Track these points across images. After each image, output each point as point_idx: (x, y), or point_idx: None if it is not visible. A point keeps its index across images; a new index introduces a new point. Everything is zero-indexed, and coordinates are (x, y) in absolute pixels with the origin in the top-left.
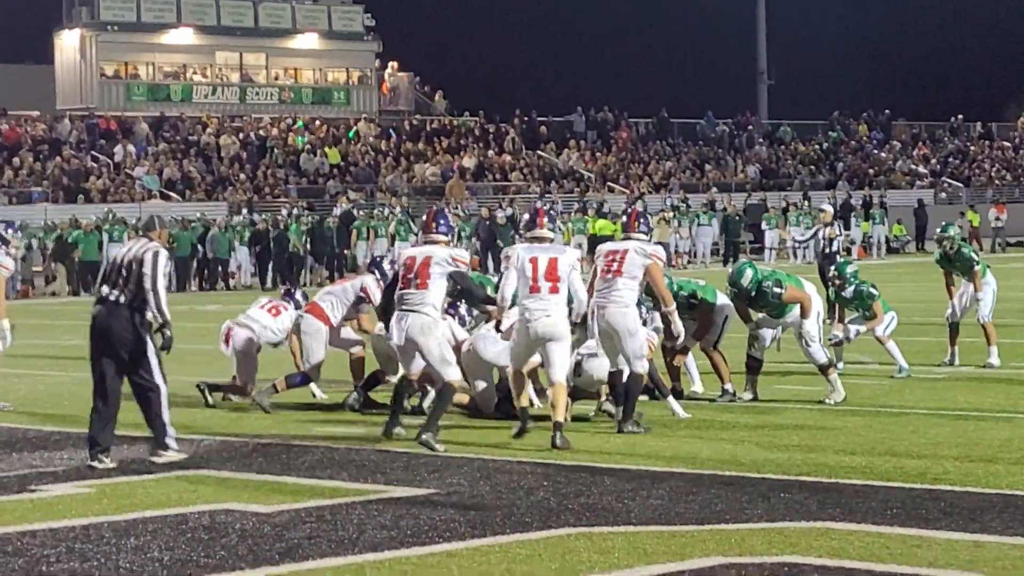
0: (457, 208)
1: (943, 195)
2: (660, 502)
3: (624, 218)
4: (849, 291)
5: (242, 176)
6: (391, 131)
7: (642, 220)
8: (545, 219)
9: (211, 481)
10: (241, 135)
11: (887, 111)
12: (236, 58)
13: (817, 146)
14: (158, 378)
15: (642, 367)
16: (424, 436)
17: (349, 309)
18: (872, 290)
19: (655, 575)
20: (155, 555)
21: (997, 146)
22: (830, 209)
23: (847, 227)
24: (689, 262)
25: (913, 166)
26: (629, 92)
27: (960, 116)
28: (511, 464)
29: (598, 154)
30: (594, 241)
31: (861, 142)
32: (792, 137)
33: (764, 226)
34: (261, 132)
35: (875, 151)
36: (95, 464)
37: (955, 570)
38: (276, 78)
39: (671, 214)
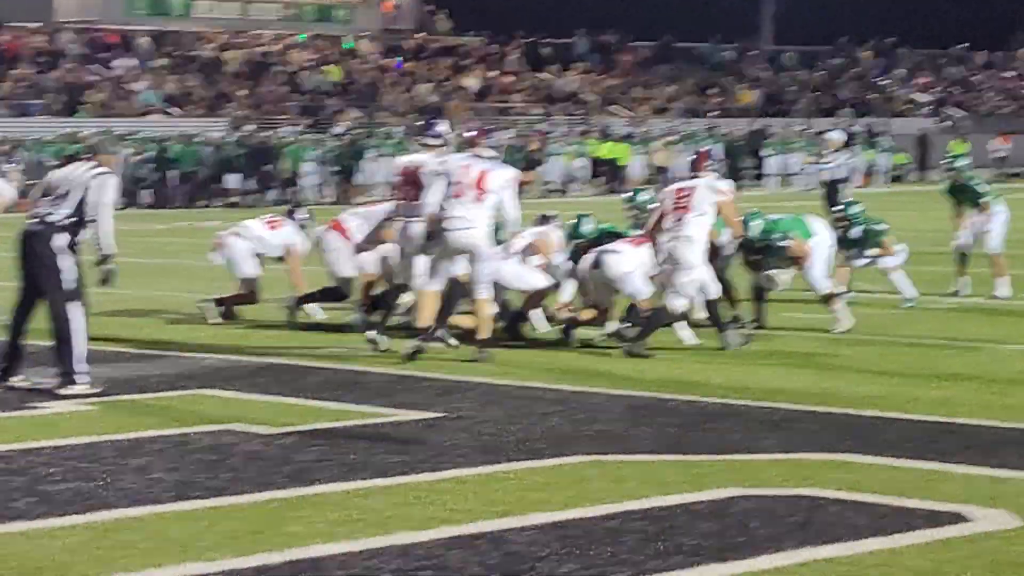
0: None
1: (946, 124)
2: (673, 430)
3: (693, 157)
4: (857, 231)
5: (242, 92)
6: (398, 62)
7: (711, 160)
8: (483, 138)
9: (214, 401)
10: (243, 51)
11: (892, 38)
12: None
13: (821, 72)
14: (70, 310)
15: (678, 304)
16: (371, 334)
17: (373, 231)
18: (879, 227)
19: (670, 505)
20: (159, 476)
21: (1001, 76)
22: (839, 136)
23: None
24: None
25: (916, 94)
26: (632, 15)
27: (965, 44)
28: (520, 389)
29: (600, 77)
30: (597, 164)
31: (865, 69)
32: (795, 63)
33: (764, 152)
34: (262, 48)
35: (879, 79)
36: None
37: (976, 506)
38: None
39: (676, 138)
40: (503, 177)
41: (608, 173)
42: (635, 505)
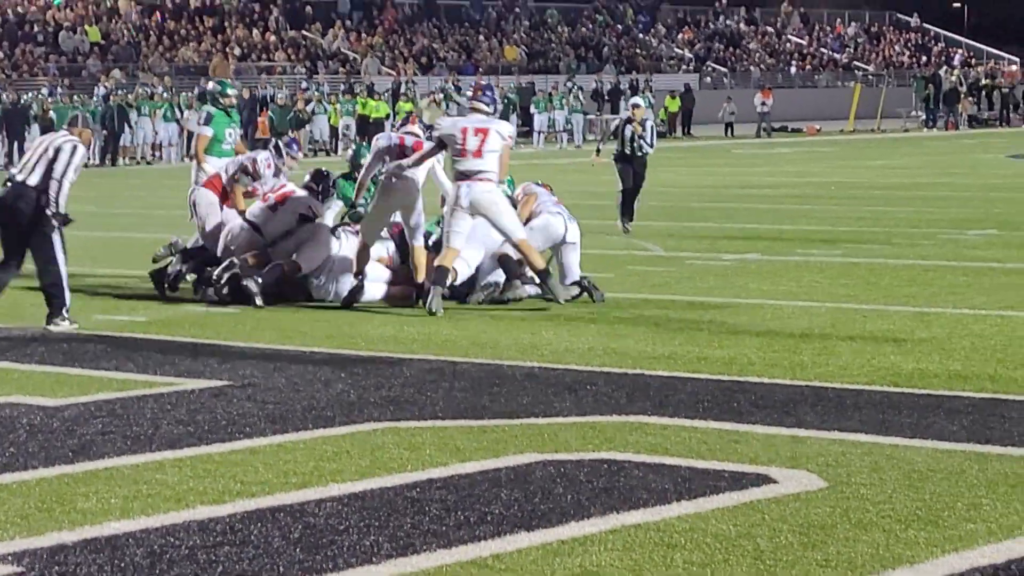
0: None
1: (708, 80)
2: (464, 394)
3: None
4: None
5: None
6: (160, 17)
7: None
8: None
9: None
10: None
11: None
12: None
13: (583, 29)
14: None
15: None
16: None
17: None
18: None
19: (470, 473)
20: None
21: (761, 31)
22: (644, 104)
23: (615, 111)
24: None
25: (678, 50)
26: None
27: (724, 0)
28: (303, 354)
29: (364, 35)
30: (363, 122)
31: (627, 26)
32: (558, 20)
33: (533, 109)
34: (19, 8)
35: (641, 35)
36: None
37: (779, 467)
38: None
39: (440, 96)
40: None
41: (372, 130)
42: (435, 473)
